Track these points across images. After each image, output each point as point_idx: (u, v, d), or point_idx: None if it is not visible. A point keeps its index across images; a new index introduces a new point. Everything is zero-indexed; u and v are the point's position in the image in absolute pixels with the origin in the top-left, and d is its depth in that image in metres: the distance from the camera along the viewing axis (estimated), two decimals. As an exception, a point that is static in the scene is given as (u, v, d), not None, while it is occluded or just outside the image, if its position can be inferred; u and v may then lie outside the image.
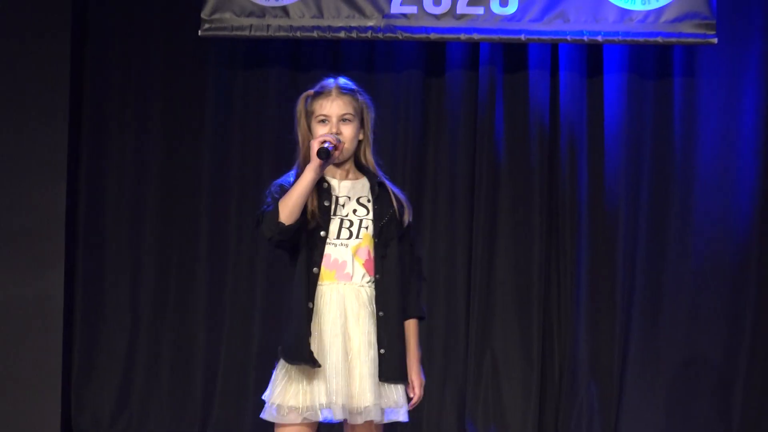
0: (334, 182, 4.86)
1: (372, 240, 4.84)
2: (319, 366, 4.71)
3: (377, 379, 4.73)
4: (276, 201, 4.76)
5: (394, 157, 7.76)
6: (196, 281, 8.05)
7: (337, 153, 4.75)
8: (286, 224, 4.68)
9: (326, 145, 4.67)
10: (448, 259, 7.89)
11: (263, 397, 4.83)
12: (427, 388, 7.49)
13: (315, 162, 4.66)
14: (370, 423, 4.82)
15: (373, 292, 4.83)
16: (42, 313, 7.74)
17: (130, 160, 8.09)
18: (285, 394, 4.76)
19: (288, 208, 4.68)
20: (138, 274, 8.05)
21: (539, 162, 7.79)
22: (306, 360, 4.68)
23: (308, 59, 7.87)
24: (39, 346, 7.75)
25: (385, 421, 4.81)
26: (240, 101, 7.98)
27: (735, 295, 7.74)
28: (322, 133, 4.78)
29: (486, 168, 7.82)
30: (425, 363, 7.64)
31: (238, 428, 7.94)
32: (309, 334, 4.73)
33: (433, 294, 7.84)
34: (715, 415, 7.70)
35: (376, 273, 4.80)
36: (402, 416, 4.82)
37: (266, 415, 4.77)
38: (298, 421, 4.78)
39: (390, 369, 4.76)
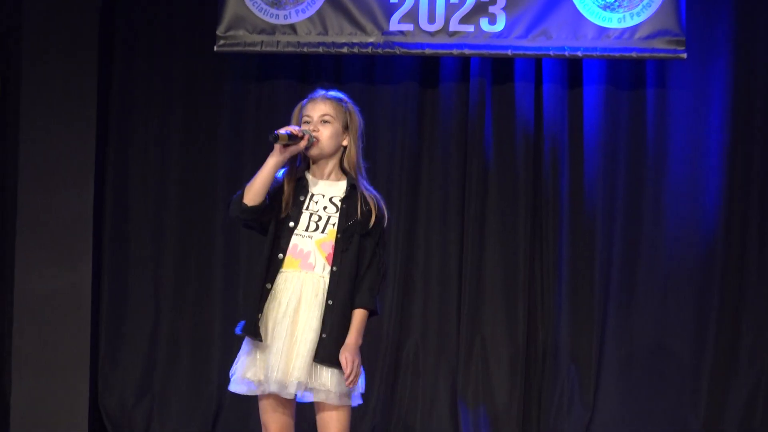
0: (312, 180, 5.02)
1: (335, 235, 4.98)
2: (261, 340, 4.87)
3: (311, 360, 4.85)
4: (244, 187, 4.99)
5: (392, 161, 7.91)
6: (212, 274, 8.13)
7: (300, 144, 4.90)
8: (249, 205, 4.87)
9: (282, 131, 4.87)
10: (441, 254, 7.96)
11: (230, 372, 5.00)
12: (421, 370, 7.66)
13: (277, 150, 4.88)
14: (330, 406, 4.93)
15: (328, 282, 4.95)
16: (72, 303, 7.84)
17: (152, 165, 8.18)
18: (240, 367, 4.96)
19: (251, 191, 4.87)
20: (159, 268, 8.14)
21: (524, 166, 7.88)
22: (252, 333, 4.87)
23: (314, 72, 7.97)
24: (69, 333, 7.85)
25: (309, 400, 4.93)
26: (252, 111, 8.07)
27: (701, 287, 7.81)
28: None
29: (476, 171, 7.90)
30: (424, 349, 7.72)
31: (249, 407, 7.82)
32: (260, 311, 4.90)
33: (428, 285, 7.93)
34: (683, 393, 7.77)
35: (333, 265, 4.92)
36: (331, 399, 4.91)
37: (231, 386, 4.97)
38: (253, 392, 4.95)
39: (325, 353, 4.86)
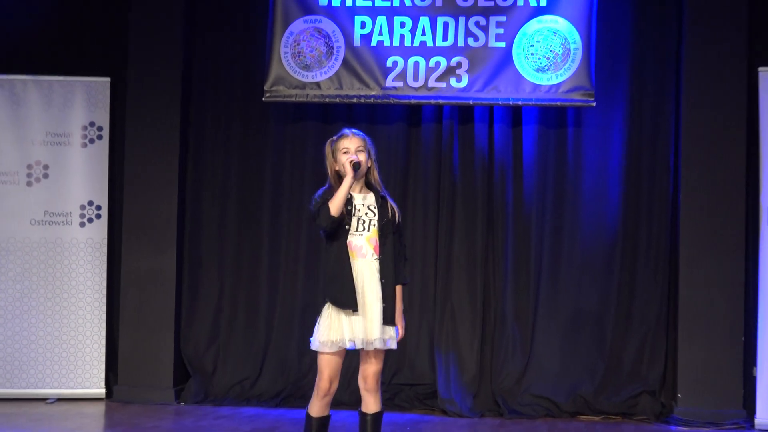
0: (353, 195, 5.38)
1: (377, 232, 5.39)
2: (357, 311, 5.25)
3: (382, 322, 5.32)
4: (325, 203, 5.26)
5: (388, 178, 7.83)
6: (260, 261, 8.48)
7: (362, 166, 5.32)
8: (336, 216, 5.23)
9: (354, 158, 5.29)
10: (422, 244, 8.31)
11: (313, 338, 5.31)
12: (407, 328, 7.56)
13: (350, 173, 5.25)
14: (375, 351, 5.37)
15: (378, 266, 5.37)
16: (162, 279, 8.26)
17: (218, 182, 8.52)
18: (326, 332, 5.28)
19: (336, 206, 5.24)
20: (223, 256, 8.52)
21: (481, 181, 8.21)
22: (354, 307, 5.25)
23: (333, 116, 8.31)
24: (159, 302, 8.24)
25: (385, 347, 5.36)
26: (289, 142, 8.44)
27: (606, 266, 8.11)
28: (345, 161, 5.32)
29: (447, 185, 8.25)
30: (410, 313, 8.05)
31: (285, 355, 8.34)
32: (354, 290, 5.28)
33: (414, 266, 8.10)
34: (593, 343, 8.10)
35: (380, 254, 5.36)
36: (393, 345, 5.38)
37: (314, 345, 5.31)
38: (334, 350, 5.28)
39: (388, 317, 5.32)
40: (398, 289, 5.43)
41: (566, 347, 8.20)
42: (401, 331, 5.42)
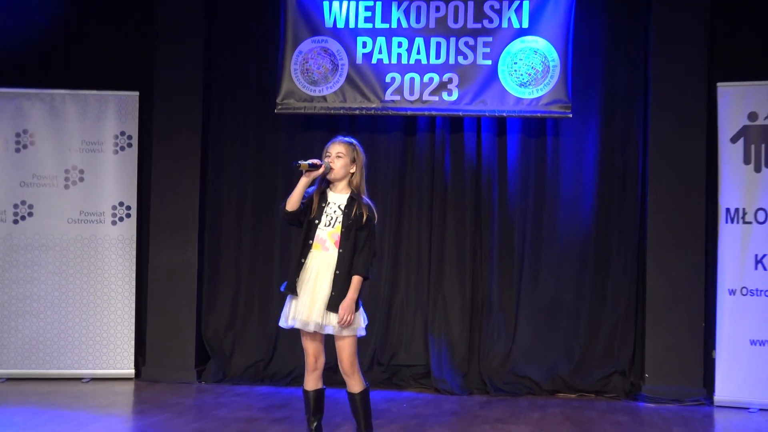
0: (330, 194, 5.45)
1: (341, 229, 5.39)
2: (296, 295, 5.34)
3: (326, 308, 5.33)
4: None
5: (388, 181, 8.30)
6: (272, 256, 8.53)
7: (318, 170, 5.29)
8: (289, 211, 5.33)
9: (303, 161, 5.25)
10: (417, 241, 8.37)
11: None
12: (404, 315, 8.10)
13: (304, 178, 5.30)
14: (339, 339, 5.35)
15: (337, 258, 5.36)
16: (185, 271, 8.33)
17: (235, 185, 8.57)
18: (285, 310, 5.44)
19: (290, 202, 5.34)
20: (239, 251, 8.58)
21: (469, 184, 8.28)
22: (292, 291, 5.39)
23: (338, 126, 8.25)
24: (183, 292, 8.32)
25: (322, 331, 5.35)
26: (299, 149, 8.31)
27: (581, 259, 8.18)
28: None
29: (439, 187, 8.32)
30: (406, 302, 8.11)
31: (294, 340, 7.35)
32: (297, 276, 5.37)
33: (409, 260, 8.28)
34: (569, 329, 8.17)
35: (340, 247, 5.37)
36: (332, 331, 5.31)
37: (279, 322, 5.49)
38: (285, 326, 5.38)
39: (333, 304, 5.32)
40: (354, 279, 5.37)
41: (546, 333, 8.25)
42: (346, 317, 5.29)
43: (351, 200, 5.44)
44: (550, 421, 6.93)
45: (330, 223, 5.42)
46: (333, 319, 5.33)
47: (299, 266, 5.40)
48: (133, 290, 8.36)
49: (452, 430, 6.60)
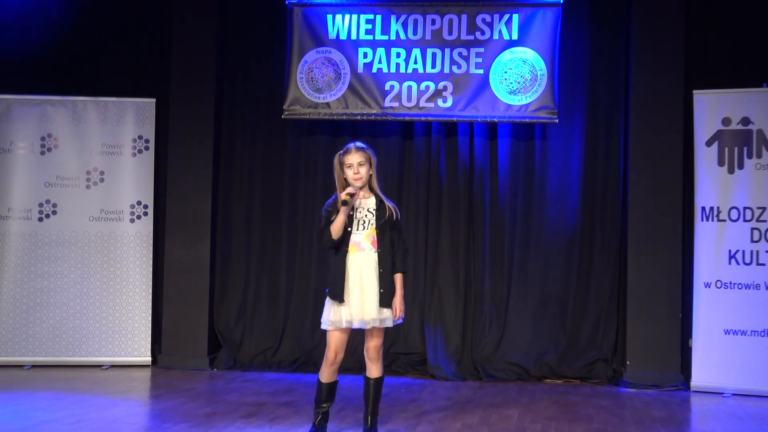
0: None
1: (375, 230, 5.43)
2: (343, 302, 5.30)
3: (379, 305, 5.37)
4: (327, 224, 5.30)
5: (386, 182, 8.20)
6: (279, 251, 8.49)
7: (354, 200, 5.29)
8: (335, 239, 5.35)
9: (345, 195, 5.26)
10: (414, 238, 8.30)
11: (321, 319, 5.41)
12: (406, 308, 7.85)
13: (342, 208, 5.29)
14: (376, 328, 5.45)
15: (377, 258, 5.41)
16: (198, 266, 8.32)
17: (245, 185, 8.55)
18: (330, 315, 5.38)
19: (335, 232, 5.34)
20: (249, 247, 8.54)
21: (463, 185, 8.26)
22: (340, 299, 5.35)
23: (340, 131, 8.36)
24: (196, 283, 8.31)
25: (383, 326, 5.43)
26: (304, 152, 8.47)
27: (567, 254, 8.15)
28: (349, 174, 5.34)
29: (435, 188, 8.29)
30: (405, 293, 7.47)
31: (300, 332, 8.34)
32: (344, 285, 5.34)
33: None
34: (556, 319, 8.14)
35: (378, 248, 5.43)
36: (390, 324, 5.43)
37: (323, 326, 5.42)
38: (334, 329, 5.38)
39: (384, 300, 5.38)
40: (398, 277, 5.44)
41: (534, 322, 8.23)
42: (398, 312, 5.41)
43: (380, 203, 5.44)
44: (538, 405, 6.93)
45: (364, 226, 5.42)
46: (385, 313, 5.34)
47: (343, 274, 5.35)
48: (150, 283, 8.33)
49: (447, 413, 6.58)
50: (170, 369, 8.19)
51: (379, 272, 5.38)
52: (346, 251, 5.38)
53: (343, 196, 5.26)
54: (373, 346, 5.45)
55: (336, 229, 5.31)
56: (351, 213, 5.38)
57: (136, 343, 8.30)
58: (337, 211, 5.34)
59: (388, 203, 5.49)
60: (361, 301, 5.35)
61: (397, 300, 5.40)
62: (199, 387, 7.41)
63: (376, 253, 5.39)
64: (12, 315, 8.19)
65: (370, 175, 5.45)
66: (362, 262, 5.38)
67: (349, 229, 5.38)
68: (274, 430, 5.90)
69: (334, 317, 5.35)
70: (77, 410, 6.37)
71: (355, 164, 5.40)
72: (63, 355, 8.20)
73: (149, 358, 8.32)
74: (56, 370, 8.02)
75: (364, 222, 5.42)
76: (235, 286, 8.60)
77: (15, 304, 8.20)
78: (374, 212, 5.44)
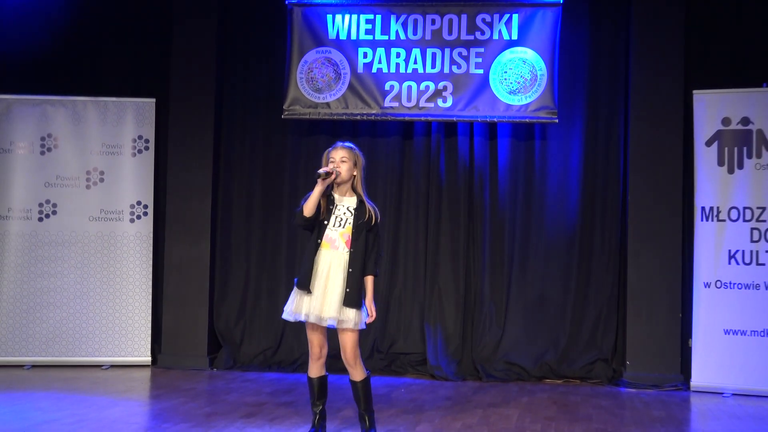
0: (337, 197, 5.43)
1: (351, 229, 5.38)
2: (310, 293, 5.29)
3: (342, 304, 5.29)
4: (302, 205, 5.33)
5: (386, 181, 8.29)
6: (279, 251, 8.50)
7: (332, 177, 5.30)
8: (307, 216, 5.28)
9: (322, 170, 5.28)
10: (414, 237, 8.35)
11: (284, 308, 5.39)
12: (402, 307, 8.05)
13: (319, 182, 5.29)
14: (347, 330, 5.31)
15: (348, 257, 5.36)
16: (198, 265, 8.32)
17: (245, 185, 8.55)
18: (290, 305, 5.36)
19: (308, 208, 5.29)
20: (249, 247, 8.56)
21: (463, 184, 8.27)
22: (305, 288, 5.32)
23: (340, 131, 8.32)
24: (196, 283, 8.31)
25: (341, 326, 5.29)
26: (304, 152, 8.47)
27: (566, 255, 8.15)
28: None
29: (434, 187, 8.30)
30: (404, 294, 8.06)
31: (299, 331, 7.81)
32: (311, 277, 5.31)
33: (407, 255, 8.24)
34: (556, 320, 8.15)
35: (351, 247, 5.40)
36: (352, 326, 5.27)
37: (284, 316, 5.40)
38: (291, 320, 5.33)
39: (349, 300, 5.30)
40: (369, 279, 5.41)
41: (534, 323, 8.25)
42: (372, 314, 5.37)
43: (361, 203, 5.44)
44: (538, 405, 6.93)
45: (340, 224, 5.40)
46: (349, 313, 5.30)
47: (312, 266, 5.33)
48: (150, 283, 8.33)
49: (447, 413, 6.58)
50: (170, 369, 8.19)
51: (348, 272, 5.34)
52: (319, 245, 5.36)
53: (321, 172, 5.25)
54: (346, 349, 5.38)
55: (309, 205, 5.28)
56: (330, 207, 5.36)
57: (136, 343, 8.29)
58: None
59: (370, 205, 5.48)
60: (322, 297, 5.32)
61: (368, 301, 5.37)
62: (199, 387, 7.41)
63: (348, 253, 5.36)
64: (12, 315, 8.19)
65: (354, 176, 5.44)
66: (333, 259, 5.36)
67: (326, 222, 5.37)
68: (274, 430, 5.90)
69: (295, 308, 5.34)
70: (77, 410, 6.36)
71: (338, 159, 5.40)
72: (63, 355, 8.20)
73: (149, 358, 8.31)
74: (56, 370, 8.01)
75: (342, 220, 5.41)
76: (235, 285, 8.60)
77: (15, 304, 8.20)
78: (353, 212, 5.43)
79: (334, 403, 6.35)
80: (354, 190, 5.49)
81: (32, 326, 8.20)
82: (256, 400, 6.87)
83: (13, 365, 8.13)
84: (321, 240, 5.38)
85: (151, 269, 8.33)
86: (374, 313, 5.39)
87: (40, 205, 8.30)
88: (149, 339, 8.30)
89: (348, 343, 5.36)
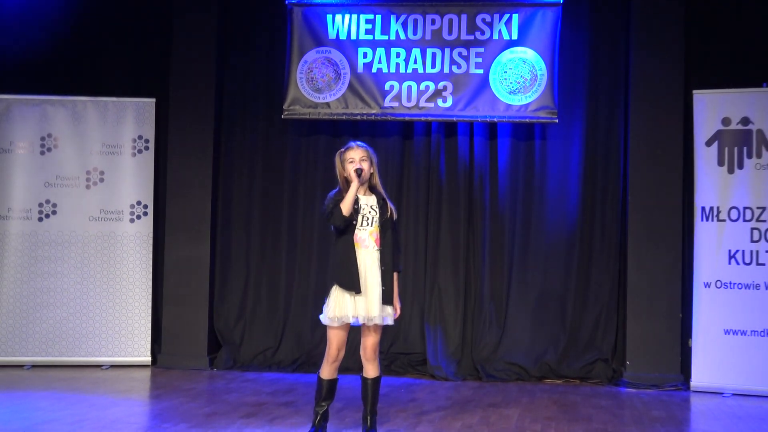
0: (360, 197, 5.45)
1: (378, 227, 5.45)
2: (360, 292, 5.31)
3: (381, 302, 5.40)
4: (336, 205, 5.30)
5: (387, 182, 8.07)
6: (280, 251, 8.50)
7: (364, 173, 5.37)
8: (347, 216, 5.32)
9: (358, 167, 5.35)
10: (414, 237, 8.35)
11: (323, 311, 5.36)
12: (402, 306, 7.29)
13: (355, 179, 5.32)
14: (374, 326, 5.45)
15: (379, 256, 5.43)
16: (198, 265, 8.32)
17: (245, 185, 8.56)
18: (333, 309, 5.36)
19: (346, 207, 5.31)
20: (249, 246, 8.55)
21: (463, 184, 8.27)
22: (358, 290, 5.33)
23: (340, 131, 8.37)
24: (196, 283, 8.30)
25: (383, 323, 5.42)
26: (304, 152, 8.49)
27: (566, 254, 8.15)
28: (351, 169, 5.40)
29: (434, 187, 8.31)
30: (404, 294, 7.97)
31: (300, 329, 8.32)
32: (358, 275, 5.33)
33: (407, 255, 8.17)
34: (556, 318, 8.14)
35: (380, 245, 5.46)
36: (390, 322, 5.45)
37: (324, 320, 5.39)
38: (339, 325, 5.37)
39: (386, 297, 5.40)
40: (395, 275, 5.50)
41: (534, 322, 8.25)
42: (398, 311, 5.47)
43: (383, 201, 5.48)
44: (538, 405, 6.93)
45: (368, 223, 5.43)
46: (387, 310, 5.39)
47: (355, 264, 5.35)
48: (150, 283, 8.33)
49: (447, 413, 6.58)
50: (170, 369, 8.18)
51: (381, 270, 5.40)
52: (353, 246, 5.39)
53: (353, 170, 5.30)
54: (370, 345, 5.43)
55: (347, 204, 5.30)
56: (356, 207, 5.38)
57: (136, 343, 8.29)
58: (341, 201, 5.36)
59: (389, 203, 5.53)
60: (365, 297, 5.36)
61: (396, 298, 5.46)
62: (199, 387, 7.41)
63: (379, 251, 5.41)
64: (12, 315, 8.19)
65: (372, 174, 5.48)
66: (366, 258, 5.40)
67: (354, 223, 5.39)
68: (274, 430, 5.90)
69: (340, 312, 5.35)
70: (77, 410, 6.36)
71: (357, 159, 5.43)
72: (63, 355, 8.20)
73: (149, 358, 8.31)
74: (56, 370, 8.01)
75: (368, 219, 5.44)
76: (235, 285, 8.60)
77: (15, 304, 8.20)
78: (377, 210, 5.46)
79: (334, 402, 6.20)
80: (372, 189, 5.52)
81: (32, 326, 8.19)
82: (255, 400, 6.87)
83: (13, 365, 8.13)
84: (353, 240, 5.40)
85: (151, 269, 8.32)
86: (399, 310, 5.45)
87: (40, 205, 8.30)
88: (149, 339, 8.29)
89: (374, 339, 5.41)
